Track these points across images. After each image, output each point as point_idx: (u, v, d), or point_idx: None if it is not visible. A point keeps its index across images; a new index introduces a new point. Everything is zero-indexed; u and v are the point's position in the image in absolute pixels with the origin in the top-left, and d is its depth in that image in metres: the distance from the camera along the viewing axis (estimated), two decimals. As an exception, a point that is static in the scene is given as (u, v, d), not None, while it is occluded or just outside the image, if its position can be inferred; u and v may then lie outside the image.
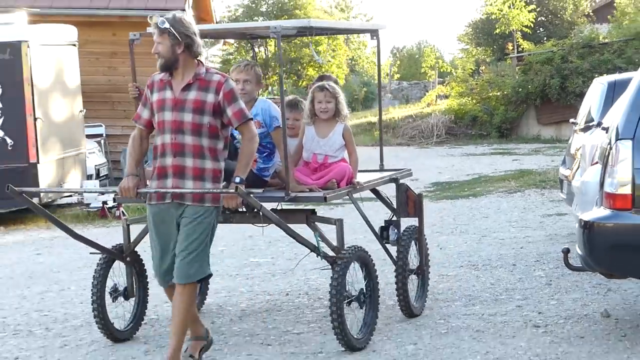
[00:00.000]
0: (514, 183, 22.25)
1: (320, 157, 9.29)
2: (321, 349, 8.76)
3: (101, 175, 22.38)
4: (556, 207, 17.68)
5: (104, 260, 9.22)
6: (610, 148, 8.73)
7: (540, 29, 51.97)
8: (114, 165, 24.36)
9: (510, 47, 44.60)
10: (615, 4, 47.24)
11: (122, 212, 17.60)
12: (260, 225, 8.96)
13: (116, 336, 9.24)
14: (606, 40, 37.06)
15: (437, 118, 38.75)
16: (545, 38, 47.26)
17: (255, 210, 8.23)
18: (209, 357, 8.97)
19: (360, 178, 9.66)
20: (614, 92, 13.98)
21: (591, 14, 55.25)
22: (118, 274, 9.41)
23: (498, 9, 46.38)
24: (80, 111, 20.72)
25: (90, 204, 18.71)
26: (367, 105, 52.75)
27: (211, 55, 41.69)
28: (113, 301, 9.28)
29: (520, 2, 46.06)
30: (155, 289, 9.22)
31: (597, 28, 42.36)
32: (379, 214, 10.30)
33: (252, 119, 8.18)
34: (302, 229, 8.90)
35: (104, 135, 23.82)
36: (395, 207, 10.21)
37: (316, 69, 56.71)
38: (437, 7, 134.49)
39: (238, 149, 8.45)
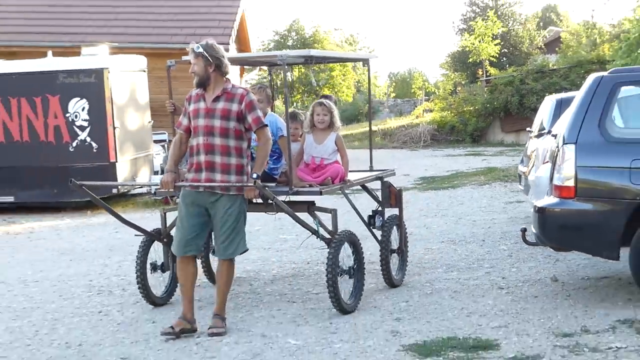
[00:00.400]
0: (483, 177, 22.20)
1: (317, 159, 9.30)
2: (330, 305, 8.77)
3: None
4: (516, 196, 17.66)
5: (146, 241, 9.27)
6: (558, 150, 8.76)
7: (504, 58, 51.82)
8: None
9: (480, 73, 44.46)
10: (561, 39, 47.18)
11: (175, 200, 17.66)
12: (271, 213, 8.83)
13: (155, 301, 9.28)
14: (554, 67, 37.04)
15: (424, 127, 38.71)
16: (507, 65, 47.06)
17: (269, 200, 8.24)
18: (248, 311, 9.01)
19: (351, 176, 9.66)
20: (560, 107, 13.97)
21: (543, 46, 55.15)
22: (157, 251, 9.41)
23: (471, 43, 46.30)
24: (149, 122, 20.75)
25: (155, 193, 18.80)
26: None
27: (250, 79, 41.60)
28: (152, 273, 9.27)
29: (488, 37, 46.01)
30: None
31: (547, 57, 42.35)
32: (366, 205, 10.24)
33: (267, 125, 8.15)
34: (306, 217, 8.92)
35: (167, 140, 23.85)
36: (380, 199, 10.18)
37: (329, 89, 56.73)
38: (424, 41, 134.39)
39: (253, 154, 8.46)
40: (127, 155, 18.96)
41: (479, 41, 45.69)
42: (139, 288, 9.19)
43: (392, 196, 10.13)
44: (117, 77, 18.61)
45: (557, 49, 46.65)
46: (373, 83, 70.95)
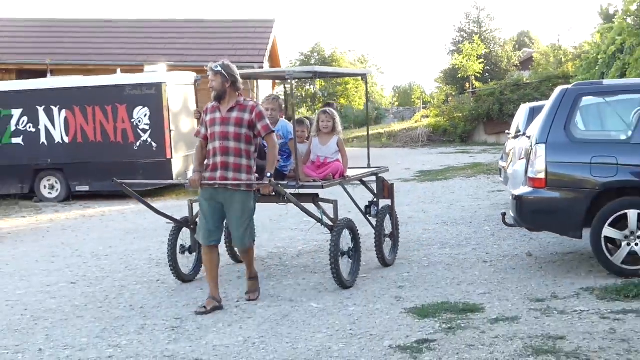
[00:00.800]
0: (470, 171, 22.08)
1: (322, 158, 9.16)
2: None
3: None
4: (497, 186, 17.55)
5: (175, 227, 9.09)
6: (532, 149, 8.75)
7: (487, 74, 51.58)
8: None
9: (468, 86, 44.35)
10: (533, 59, 47.02)
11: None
12: (282, 203, 8.70)
13: (183, 278, 9.05)
14: (528, 81, 36.89)
15: (422, 130, 38.56)
16: (489, 80, 46.93)
17: (282, 195, 8.08)
18: (278, 280, 8.96)
19: (350, 172, 9.46)
20: (533, 113, 13.95)
21: (518, 64, 54.91)
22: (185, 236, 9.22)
23: (460, 62, 46.21)
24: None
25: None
26: (377, 122, 52.45)
27: (280, 91, 41.55)
28: (181, 254, 9.09)
29: (473, 57, 45.90)
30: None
31: (522, 73, 42.16)
32: (364, 197, 10.10)
33: (274, 131, 7.93)
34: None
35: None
36: (375, 192, 10.02)
37: (345, 99, 56.68)
38: (422, 60, 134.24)
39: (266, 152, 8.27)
40: (180, 152, 18.94)
41: (467, 60, 45.68)
42: (170, 267, 8.98)
43: (385, 189, 9.98)
44: (173, 90, 18.60)
45: (530, 66, 46.57)
46: (380, 94, 70.95)
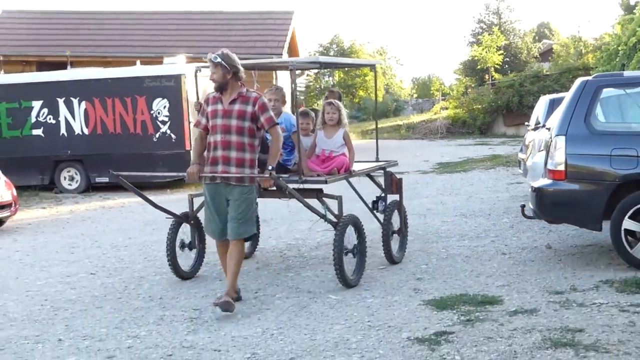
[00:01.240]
0: (489, 163, 22.04)
1: (327, 151, 8.83)
2: (368, 267, 8.70)
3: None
4: (516, 178, 17.51)
5: (175, 223, 8.78)
6: (551, 141, 8.71)
7: (506, 65, 51.37)
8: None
9: (487, 77, 44.31)
10: (553, 50, 46.82)
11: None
12: (285, 199, 8.48)
13: (183, 275, 8.74)
14: (548, 73, 36.82)
15: (441, 122, 38.57)
16: (509, 71, 46.74)
17: (283, 189, 7.78)
18: (297, 272, 8.97)
19: (356, 167, 9.21)
20: (553, 105, 13.89)
21: (538, 56, 54.66)
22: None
23: (479, 53, 46.11)
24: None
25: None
26: (396, 114, 52.41)
27: (299, 82, 41.52)
28: (181, 251, 8.78)
29: (493, 49, 45.77)
30: (210, 242, 8.76)
31: (542, 65, 42.08)
32: (372, 191, 10.02)
33: (278, 124, 7.66)
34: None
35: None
36: (383, 187, 9.65)
37: (364, 90, 56.63)
38: (441, 51, 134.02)
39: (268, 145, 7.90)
40: (200, 144, 18.99)
41: (486, 52, 45.57)
42: (168, 264, 8.70)
43: (393, 184, 9.60)
44: (192, 82, 18.64)
45: (549, 58, 46.40)
46: (399, 86, 70.84)
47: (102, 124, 18.97)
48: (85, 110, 19.04)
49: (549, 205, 8.77)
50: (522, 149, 15.05)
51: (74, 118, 19.10)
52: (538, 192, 8.74)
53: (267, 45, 27.01)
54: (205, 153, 7.60)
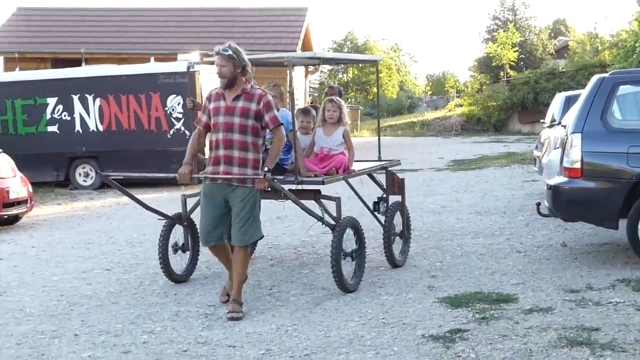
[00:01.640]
0: (504, 160, 22.00)
1: (325, 149, 8.47)
2: (382, 265, 8.71)
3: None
4: (531, 176, 17.47)
5: (168, 224, 8.44)
6: (567, 138, 8.69)
7: (521, 62, 51.22)
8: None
9: (502, 74, 44.19)
10: (569, 47, 46.68)
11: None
12: (281, 200, 8.20)
13: (176, 278, 8.45)
14: (563, 70, 36.74)
15: (455, 119, 38.51)
16: (524, 68, 46.55)
17: (278, 191, 7.44)
18: (311, 269, 8.98)
19: (357, 167, 8.91)
20: (569, 102, 13.87)
21: (554, 53, 54.51)
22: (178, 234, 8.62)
23: (494, 50, 46.01)
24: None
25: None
26: (410, 111, 52.44)
27: (313, 79, 41.57)
28: (174, 253, 8.46)
29: (508, 46, 45.67)
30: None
31: (557, 62, 41.97)
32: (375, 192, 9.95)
33: (282, 124, 7.28)
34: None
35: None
36: (385, 187, 9.33)
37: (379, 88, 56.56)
38: (455, 48, 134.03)
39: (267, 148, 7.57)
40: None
41: (501, 48, 45.45)
42: (161, 267, 8.38)
43: (395, 184, 9.28)
44: (206, 78, 18.64)
45: (565, 54, 46.28)
46: (413, 83, 70.67)
47: (116, 120, 19.03)
48: (100, 107, 19.10)
49: (565, 203, 8.76)
50: (538, 146, 15.02)
51: (88, 115, 19.17)
52: (554, 190, 8.73)
53: (281, 42, 27.03)
54: (208, 153, 7.35)
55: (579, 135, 8.49)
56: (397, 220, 9.17)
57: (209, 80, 18.81)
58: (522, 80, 36.53)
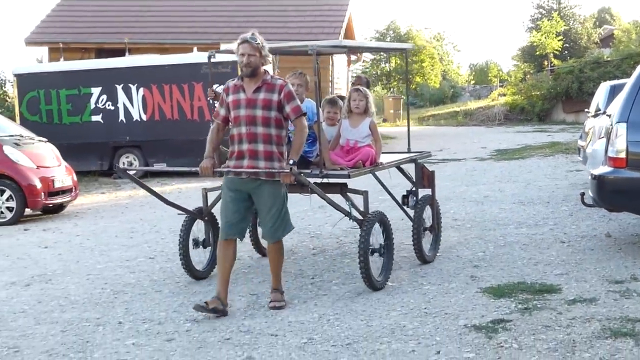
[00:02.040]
0: (548, 150, 21.80)
1: (351, 141, 8.12)
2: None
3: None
4: (575, 166, 17.30)
5: (188, 219, 8.25)
6: (612, 128, 8.60)
7: (565, 51, 50.67)
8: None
9: (546, 63, 43.76)
10: (614, 36, 46.12)
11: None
12: (306, 194, 7.84)
13: (196, 275, 8.24)
14: (608, 59, 36.29)
15: (498, 108, 38.27)
16: (568, 57, 46.06)
17: (305, 185, 7.18)
18: (353, 258, 9.00)
19: (385, 159, 8.50)
20: (614, 92, 13.73)
21: (599, 42, 53.91)
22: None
23: (538, 39, 45.61)
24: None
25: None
26: (453, 100, 52.02)
27: (355, 69, 41.50)
28: (194, 249, 8.27)
29: (552, 34, 45.25)
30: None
31: (602, 51, 41.50)
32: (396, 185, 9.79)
33: (305, 114, 7.08)
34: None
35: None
36: (414, 180, 8.97)
37: (420, 77, 56.33)
38: (499, 37, 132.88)
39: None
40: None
41: (545, 37, 45.07)
42: (181, 263, 8.17)
43: (425, 177, 8.88)
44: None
45: (610, 43, 45.75)
46: (456, 72, 70.25)
47: (159, 110, 19.20)
48: (143, 97, 19.28)
49: (609, 193, 8.67)
50: (582, 136, 14.88)
51: (132, 104, 19.36)
52: (598, 180, 8.65)
53: (323, 32, 26.98)
54: (230, 147, 7.06)
55: (624, 124, 8.40)
56: (427, 214, 8.89)
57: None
58: (567, 70, 36.17)
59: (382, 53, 52.66)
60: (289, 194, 7.31)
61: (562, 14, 52.99)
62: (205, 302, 6.86)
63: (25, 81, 20.16)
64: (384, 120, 37.37)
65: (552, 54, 44.91)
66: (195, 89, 18.79)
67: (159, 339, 6.31)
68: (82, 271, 9.06)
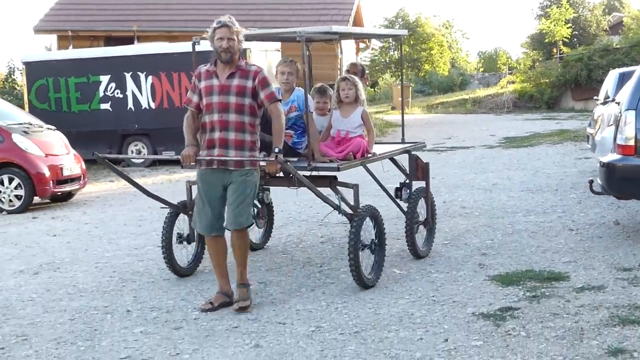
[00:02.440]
0: (557, 138, 21.73)
1: (342, 132, 7.82)
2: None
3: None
4: (584, 153, 17.24)
5: (171, 213, 7.89)
6: (621, 115, 8.58)
7: (574, 39, 50.42)
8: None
9: (555, 51, 43.59)
10: (623, 23, 45.91)
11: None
12: (294, 187, 7.28)
13: (180, 272, 7.89)
14: (617, 46, 36.13)
15: (507, 96, 38.11)
16: (577, 45, 45.88)
17: (291, 175, 6.93)
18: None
19: (378, 150, 8.22)
20: (623, 79, 13.71)
21: (608, 29, 53.63)
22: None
23: (547, 27, 45.42)
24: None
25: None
26: (462, 88, 51.83)
27: (363, 56, 41.36)
28: (178, 244, 7.92)
29: (561, 22, 45.05)
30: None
31: (611, 38, 41.26)
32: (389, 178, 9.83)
33: (280, 100, 6.90)
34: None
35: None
36: (408, 172, 8.57)
37: (429, 64, 56.18)
38: (508, 25, 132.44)
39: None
40: (266, 118, 19.09)
41: (554, 25, 44.83)
42: (164, 258, 7.81)
43: (419, 169, 8.49)
44: (258, 55, 18.67)
45: (619, 31, 45.50)
46: (465, 60, 70.04)
47: (168, 98, 19.19)
48: (152, 85, 19.27)
49: (618, 181, 8.64)
50: (591, 123, 14.84)
51: (140, 92, 19.36)
52: (607, 168, 8.61)
53: (333, 20, 26.90)
54: (199, 135, 6.82)
55: (633, 112, 8.38)
56: (421, 207, 8.61)
57: (261, 58, 18.85)
58: (576, 57, 36.02)
59: (389, 40, 52.45)
60: (274, 187, 7.03)
61: (571, 2, 52.66)
62: (210, 302, 6.78)
63: (34, 69, 20.16)
64: (393, 108, 37.29)
65: (561, 42, 44.71)
66: (203, 77, 18.74)
67: (166, 327, 6.32)
68: (90, 259, 9.07)
